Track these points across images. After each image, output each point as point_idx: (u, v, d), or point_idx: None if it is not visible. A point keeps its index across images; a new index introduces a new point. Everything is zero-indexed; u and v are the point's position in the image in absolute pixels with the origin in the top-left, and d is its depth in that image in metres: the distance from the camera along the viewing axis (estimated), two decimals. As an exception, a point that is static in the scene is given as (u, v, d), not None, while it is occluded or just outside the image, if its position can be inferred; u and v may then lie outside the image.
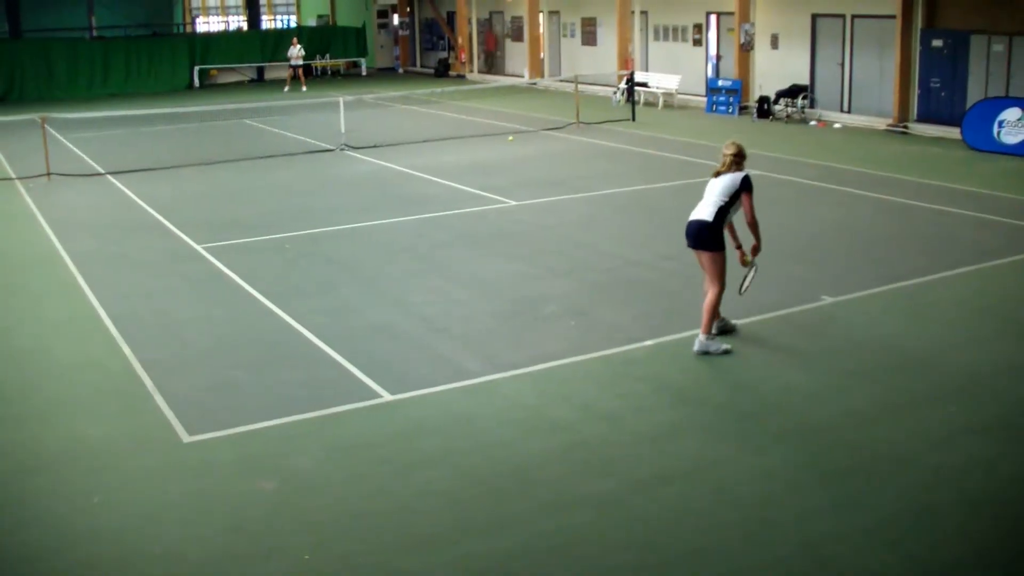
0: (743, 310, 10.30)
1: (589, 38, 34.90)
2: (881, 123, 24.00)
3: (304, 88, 36.45)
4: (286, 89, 36.96)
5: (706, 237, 9.43)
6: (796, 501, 6.82)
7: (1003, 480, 7.07)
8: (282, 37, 41.76)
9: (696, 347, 9.46)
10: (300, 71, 37.52)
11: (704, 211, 9.46)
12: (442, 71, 41.72)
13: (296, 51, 37.22)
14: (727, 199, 9.41)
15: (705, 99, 28.48)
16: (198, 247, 13.94)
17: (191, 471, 7.49)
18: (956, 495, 6.85)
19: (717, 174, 9.56)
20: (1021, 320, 10.37)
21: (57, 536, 6.66)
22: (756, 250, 9.78)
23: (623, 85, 29.47)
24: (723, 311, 9.80)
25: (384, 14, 46.99)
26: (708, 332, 9.48)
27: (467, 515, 6.77)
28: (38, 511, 7.01)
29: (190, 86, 38.80)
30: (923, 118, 23.43)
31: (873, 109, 24.70)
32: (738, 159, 9.50)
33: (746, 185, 9.41)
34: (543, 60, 37.00)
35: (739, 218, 9.64)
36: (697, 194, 9.82)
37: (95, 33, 47.49)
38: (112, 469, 7.57)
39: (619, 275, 12.07)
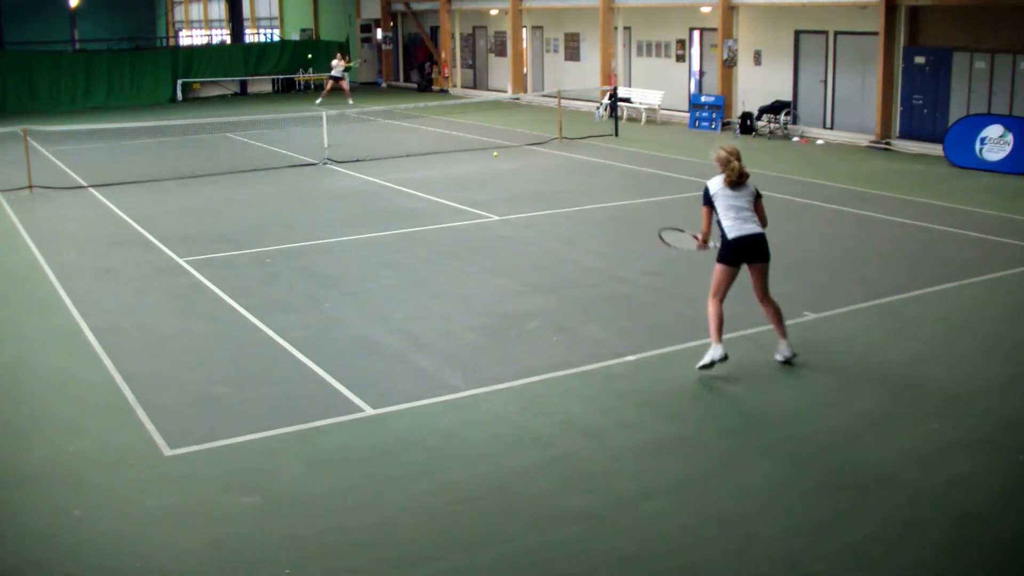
0: (727, 326, 10.30)
1: (572, 53, 35.00)
2: (864, 140, 24.14)
3: (350, 101, 35.01)
4: (319, 101, 35.53)
5: (767, 247, 9.39)
6: (779, 517, 6.82)
7: (987, 496, 7.09)
8: (265, 51, 41.79)
9: (788, 353, 9.52)
10: (343, 83, 35.99)
11: (754, 224, 9.29)
12: (425, 86, 41.75)
13: (338, 64, 36.07)
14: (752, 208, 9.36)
15: (688, 115, 28.59)
16: (181, 261, 13.88)
17: (173, 485, 7.45)
18: (940, 511, 6.87)
19: (732, 184, 9.24)
20: (1003, 337, 10.42)
21: (38, 551, 6.61)
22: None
23: (606, 100, 29.56)
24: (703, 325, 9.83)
25: (367, 28, 47.01)
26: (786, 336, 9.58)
27: (450, 530, 6.74)
28: (19, 526, 6.96)
29: (173, 99, 38.69)
30: (905, 135, 23.58)
31: (856, 126, 24.85)
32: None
33: (760, 194, 9.48)
34: (526, 75, 37.09)
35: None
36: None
37: (78, 46, 47.48)
38: (94, 483, 7.53)
39: (602, 290, 12.08)
